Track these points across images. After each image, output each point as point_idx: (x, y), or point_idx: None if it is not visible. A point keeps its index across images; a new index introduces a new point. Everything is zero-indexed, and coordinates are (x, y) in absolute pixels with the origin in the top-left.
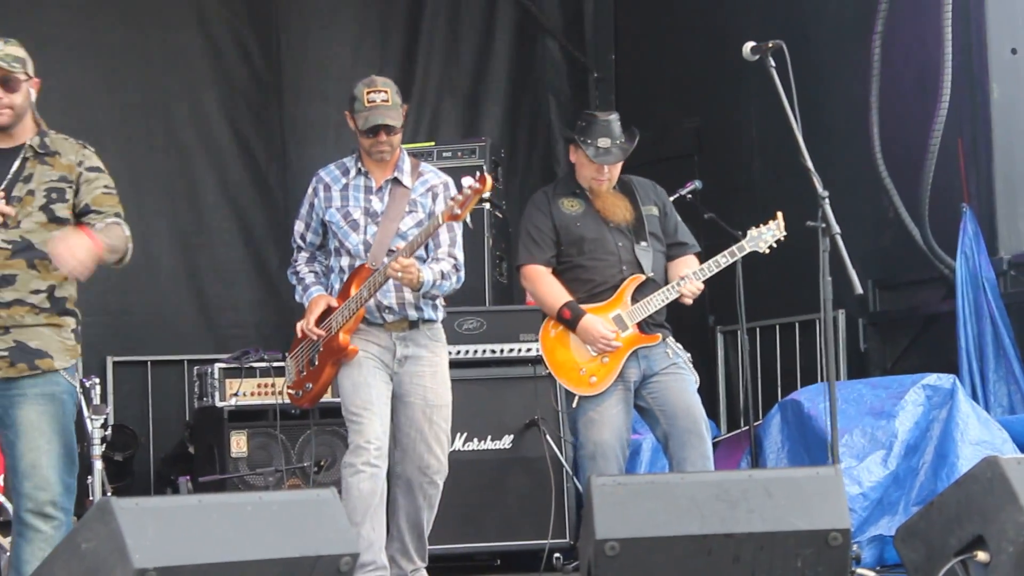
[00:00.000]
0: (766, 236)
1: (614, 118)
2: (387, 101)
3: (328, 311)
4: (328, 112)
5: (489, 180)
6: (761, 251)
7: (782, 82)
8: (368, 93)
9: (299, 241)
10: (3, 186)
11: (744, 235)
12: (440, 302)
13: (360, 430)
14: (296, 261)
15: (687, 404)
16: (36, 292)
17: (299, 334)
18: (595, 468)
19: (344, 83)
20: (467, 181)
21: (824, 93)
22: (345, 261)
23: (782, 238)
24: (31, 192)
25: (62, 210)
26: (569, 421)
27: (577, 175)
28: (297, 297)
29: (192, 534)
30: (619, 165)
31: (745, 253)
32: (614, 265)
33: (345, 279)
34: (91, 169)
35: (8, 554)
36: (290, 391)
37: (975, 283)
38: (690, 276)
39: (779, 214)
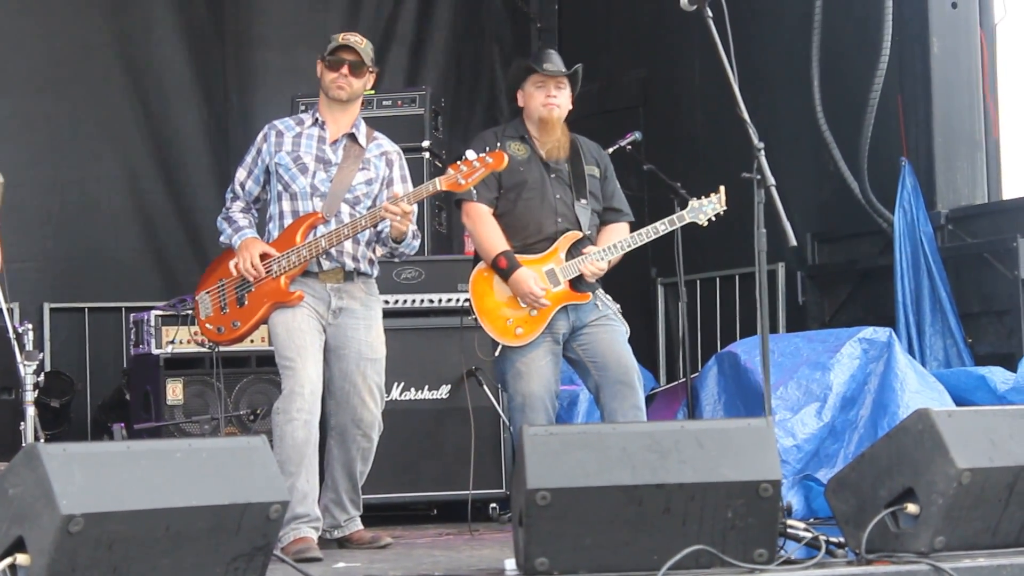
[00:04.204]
0: (707, 209)
1: (555, 51)
2: (360, 43)
3: (263, 255)
4: (270, 58)
5: (505, 158)
6: (700, 223)
7: (719, 33)
8: (344, 34)
9: (237, 188)
10: None
11: (684, 204)
12: (375, 259)
13: (294, 375)
14: (229, 208)
15: (618, 355)
16: None
17: (233, 272)
18: (524, 419)
19: (287, 29)
20: (473, 154)
21: (766, 46)
22: (287, 205)
23: (722, 212)
24: None
25: None
26: (495, 371)
27: (527, 111)
28: (224, 238)
29: (120, 481)
30: (566, 97)
31: (684, 223)
32: (549, 215)
33: (286, 224)
34: None
35: None
36: (208, 326)
37: (913, 237)
38: (592, 258)
39: (721, 188)
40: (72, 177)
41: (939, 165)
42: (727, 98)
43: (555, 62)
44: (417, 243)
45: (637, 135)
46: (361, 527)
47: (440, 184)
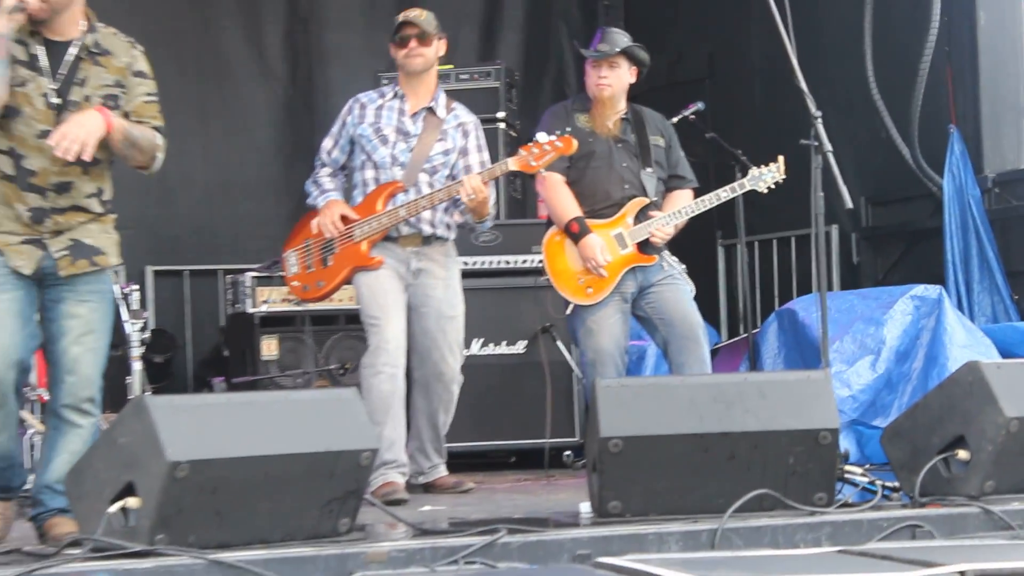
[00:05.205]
0: (767, 177)
1: (618, 31)
2: (420, 15)
3: (344, 219)
4: (350, 38)
5: (574, 143)
6: (760, 190)
7: (779, 8)
8: (404, 12)
9: (324, 157)
10: (57, 87)
11: (744, 171)
12: (451, 223)
13: (379, 331)
14: (318, 173)
15: (683, 312)
16: (89, 196)
17: (314, 230)
18: (596, 373)
19: (365, 11)
20: (545, 136)
21: (822, 20)
22: (370, 174)
23: (781, 180)
24: (87, 98)
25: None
26: (568, 327)
27: (587, 88)
28: (311, 200)
29: (222, 430)
30: (622, 76)
31: (745, 191)
32: (616, 183)
33: (369, 192)
34: (137, 73)
35: (29, 433)
36: (294, 283)
37: (961, 200)
38: (659, 223)
39: (780, 158)
40: (168, 151)
41: (986, 132)
42: (785, 71)
43: (609, 41)
44: (490, 222)
45: (700, 105)
46: (445, 473)
47: (512, 164)
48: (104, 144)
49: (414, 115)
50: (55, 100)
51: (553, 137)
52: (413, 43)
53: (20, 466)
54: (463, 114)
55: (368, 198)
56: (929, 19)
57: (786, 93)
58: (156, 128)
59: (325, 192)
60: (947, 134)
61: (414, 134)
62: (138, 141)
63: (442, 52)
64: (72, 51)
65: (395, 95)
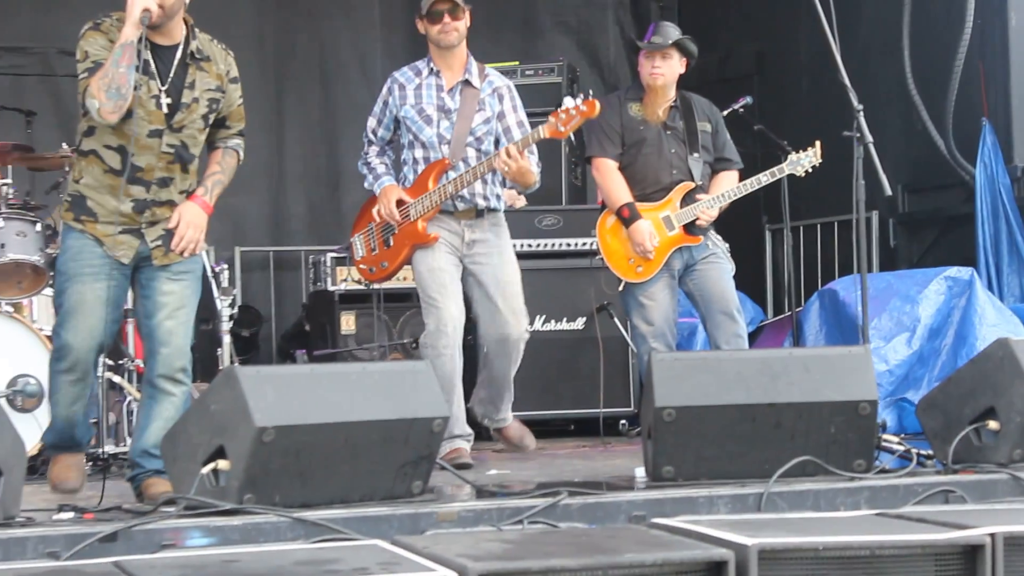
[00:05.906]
0: (804, 162)
1: (670, 24)
2: None
3: (400, 201)
4: (417, 36)
5: (597, 105)
6: (798, 174)
7: (823, 9)
8: None
9: (371, 136)
10: (166, 88)
11: (786, 158)
12: (501, 194)
13: (438, 314)
14: (367, 153)
15: (721, 290)
16: (182, 191)
17: (376, 218)
18: (647, 346)
19: None
20: (571, 102)
21: (864, 21)
22: (419, 152)
23: (818, 164)
24: (195, 100)
25: (212, 118)
26: (621, 303)
27: (640, 77)
28: (367, 184)
29: (305, 398)
30: (673, 66)
31: (785, 175)
32: (665, 168)
33: (419, 170)
34: (233, 80)
35: (128, 400)
36: (361, 266)
37: (992, 188)
38: (703, 206)
39: (817, 143)
40: (251, 144)
41: (1016, 125)
42: (829, 68)
43: (663, 34)
44: (538, 180)
45: (748, 99)
46: (512, 423)
47: (543, 132)
48: (195, 144)
49: (451, 90)
50: (166, 101)
51: (578, 102)
52: (446, 18)
53: (87, 426)
54: (496, 79)
55: (420, 178)
56: (964, 20)
57: (830, 88)
58: (240, 132)
59: (379, 177)
60: (979, 127)
61: (454, 109)
62: (227, 183)
63: (468, 23)
64: (178, 55)
65: (430, 71)
